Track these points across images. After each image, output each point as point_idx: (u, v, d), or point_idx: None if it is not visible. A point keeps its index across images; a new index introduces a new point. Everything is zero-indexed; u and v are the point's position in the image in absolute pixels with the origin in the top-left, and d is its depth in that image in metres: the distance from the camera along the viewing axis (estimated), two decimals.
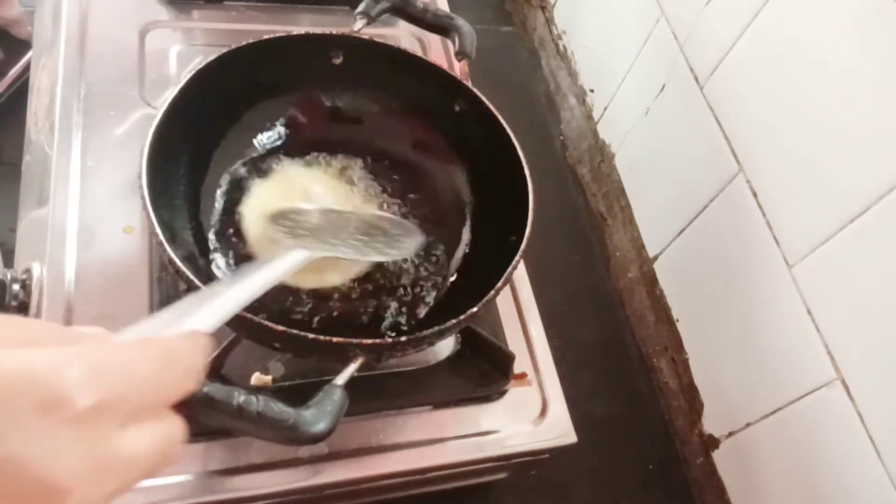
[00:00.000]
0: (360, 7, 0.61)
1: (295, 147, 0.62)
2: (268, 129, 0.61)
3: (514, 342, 0.60)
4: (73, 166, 0.58)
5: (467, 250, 0.60)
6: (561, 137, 1.01)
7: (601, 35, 0.92)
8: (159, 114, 0.49)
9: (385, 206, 0.61)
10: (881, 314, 0.53)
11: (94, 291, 0.53)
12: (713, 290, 0.72)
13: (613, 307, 0.88)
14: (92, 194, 0.57)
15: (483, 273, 0.52)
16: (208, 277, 0.51)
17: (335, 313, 0.54)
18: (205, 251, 0.54)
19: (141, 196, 0.46)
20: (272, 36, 0.56)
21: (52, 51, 0.65)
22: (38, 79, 0.68)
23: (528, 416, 0.57)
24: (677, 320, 0.78)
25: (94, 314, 0.52)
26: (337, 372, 0.42)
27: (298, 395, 0.38)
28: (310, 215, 0.49)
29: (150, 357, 0.25)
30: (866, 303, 0.54)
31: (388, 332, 0.54)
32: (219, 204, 0.57)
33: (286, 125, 0.62)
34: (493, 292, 0.49)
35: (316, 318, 0.53)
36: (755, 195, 0.64)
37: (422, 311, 0.57)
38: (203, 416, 0.35)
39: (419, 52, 0.68)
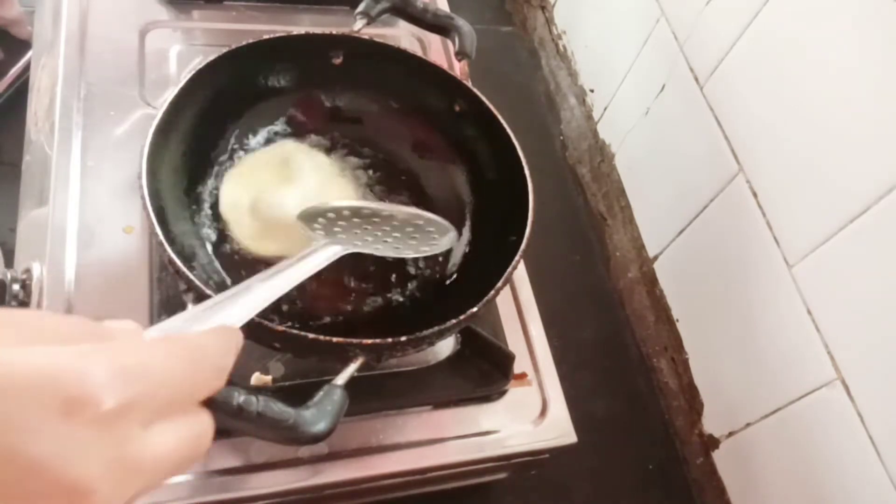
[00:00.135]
0: (360, 7, 0.61)
1: None
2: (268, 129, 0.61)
3: (514, 342, 0.60)
4: (73, 166, 0.58)
5: (467, 250, 0.60)
6: (561, 137, 1.01)
7: (601, 35, 0.92)
8: (159, 114, 0.49)
9: None
10: (881, 314, 0.53)
11: (94, 291, 0.53)
12: (713, 290, 0.72)
13: (613, 307, 0.88)
14: (92, 194, 0.57)
15: (483, 273, 0.52)
16: (208, 277, 0.51)
17: (335, 313, 0.54)
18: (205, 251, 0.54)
19: (141, 196, 0.46)
20: (272, 36, 0.56)
21: (52, 51, 0.65)
22: (38, 79, 0.68)
23: (528, 416, 0.57)
24: (677, 320, 0.78)
25: (95, 314, 0.51)
26: (337, 372, 0.42)
27: (298, 395, 0.38)
28: (343, 213, 0.48)
29: (177, 355, 0.25)
30: (866, 303, 0.54)
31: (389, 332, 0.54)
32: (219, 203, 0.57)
33: (286, 125, 0.62)
34: (493, 292, 0.49)
35: (314, 319, 0.53)
36: (755, 195, 0.64)
37: (422, 311, 0.57)
38: None
39: (419, 52, 0.68)
